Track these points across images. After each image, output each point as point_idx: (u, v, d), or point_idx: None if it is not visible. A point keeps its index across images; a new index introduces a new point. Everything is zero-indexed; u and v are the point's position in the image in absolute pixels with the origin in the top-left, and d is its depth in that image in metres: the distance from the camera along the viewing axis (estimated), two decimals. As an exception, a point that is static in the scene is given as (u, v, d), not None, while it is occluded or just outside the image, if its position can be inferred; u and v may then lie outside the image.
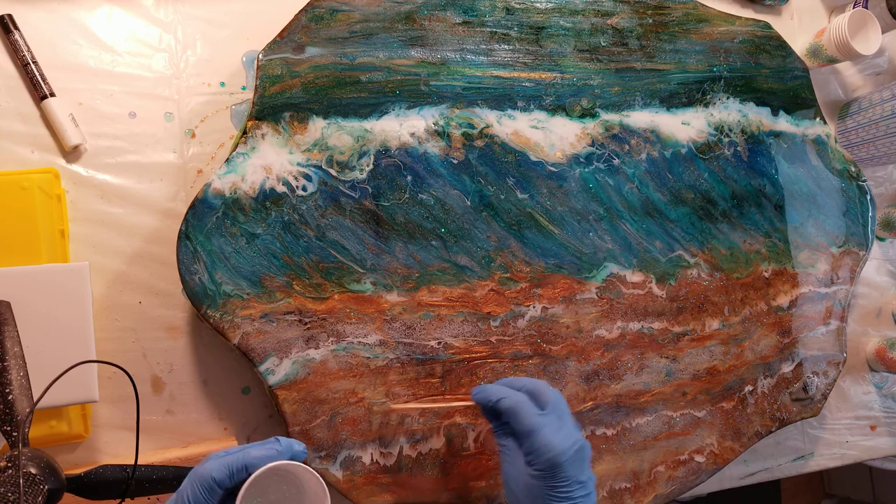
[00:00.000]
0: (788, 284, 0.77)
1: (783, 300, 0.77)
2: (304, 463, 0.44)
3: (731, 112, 0.77)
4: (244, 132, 0.60)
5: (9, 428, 0.46)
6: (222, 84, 0.67)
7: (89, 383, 0.54)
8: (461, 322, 0.64)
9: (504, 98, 0.68)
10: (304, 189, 0.61)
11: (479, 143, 0.67)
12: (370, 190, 0.63)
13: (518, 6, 0.69)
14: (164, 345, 0.63)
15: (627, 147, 0.72)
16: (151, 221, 0.64)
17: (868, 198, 0.82)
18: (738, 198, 0.76)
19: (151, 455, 0.60)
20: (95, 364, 0.55)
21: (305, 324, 0.60)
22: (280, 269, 0.60)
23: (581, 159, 0.70)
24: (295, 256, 0.60)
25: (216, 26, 0.67)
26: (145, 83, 0.65)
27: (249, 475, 0.40)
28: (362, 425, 0.61)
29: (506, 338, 0.66)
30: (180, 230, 0.57)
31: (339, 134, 0.63)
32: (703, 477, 0.71)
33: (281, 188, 0.60)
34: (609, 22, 0.73)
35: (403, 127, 0.64)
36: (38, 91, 0.61)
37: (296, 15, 0.62)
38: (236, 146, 0.60)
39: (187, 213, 0.58)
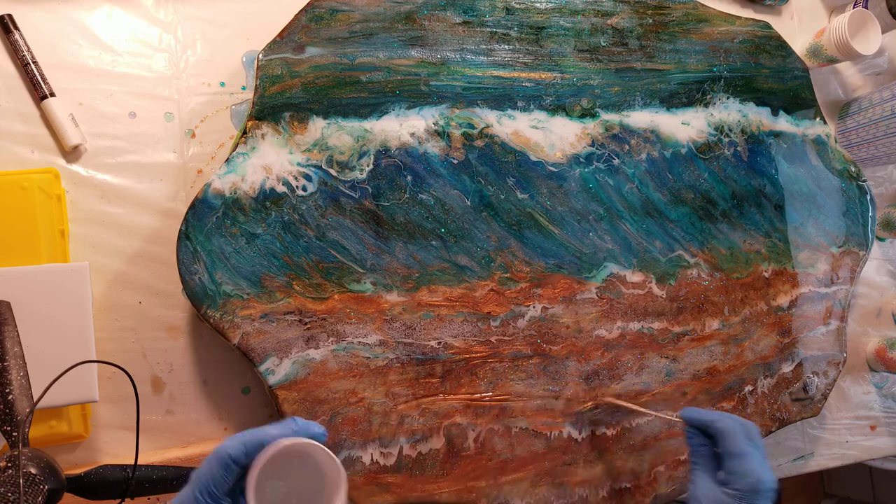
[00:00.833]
0: (788, 284, 0.77)
1: (783, 300, 0.77)
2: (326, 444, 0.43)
3: (731, 112, 0.77)
4: (244, 132, 0.60)
5: (9, 428, 0.46)
6: (222, 84, 0.67)
7: (89, 383, 0.54)
8: (461, 322, 0.64)
9: (504, 98, 0.68)
10: (304, 189, 0.61)
11: (479, 143, 0.67)
12: (370, 190, 0.63)
13: (518, 6, 0.69)
14: (164, 345, 0.63)
15: (627, 147, 0.72)
16: (151, 221, 0.64)
17: (868, 198, 0.82)
18: (738, 198, 0.76)
19: (151, 455, 0.60)
20: (95, 364, 0.55)
21: (305, 324, 0.60)
22: (280, 269, 0.60)
23: (581, 159, 0.70)
24: (295, 256, 0.60)
25: (216, 26, 0.67)
26: (145, 83, 0.65)
27: (264, 447, 0.40)
28: (362, 425, 0.61)
29: (506, 338, 0.66)
30: (180, 230, 0.57)
31: (339, 134, 0.63)
32: (703, 477, 0.71)
33: (281, 188, 0.60)
34: (609, 22, 0.73)
35: (403, 127, 0.64)
36: (38, 91, 0.61)
37: (296, 15, 0.62)
38: (236, 146, 0.60)
39: (187, 213, 0.58)
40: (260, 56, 0.61)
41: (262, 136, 0.60)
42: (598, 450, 0.68)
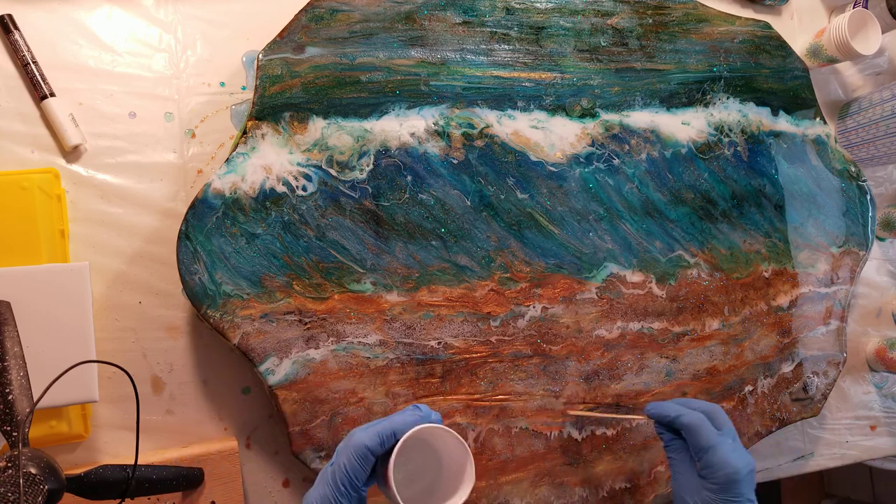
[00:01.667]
0: (788, 284, 0.77)
1: (783, 300, 0.77)
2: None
3: (731, 112, 0.77)
4: (244, 132, 0.60)
5: (9, 428, 0.46)
6: (222, 84, 0.67)
7: (89, 383, 0.54)
8: (461, 322, 0.64)
9: (504, 98, 0.68)
10: (304, 189, 0.61)
11: (479, 143, 0.67)
12: (370, 190, 0.63)
13: (518, 6, 0.69)
14: (164, 345, 0.63)
15: (627, 147, 0.72)
16: (151, 221, 0.64)
17: (868, 198, 0.82)
18: (738, 198, 0.76)
19: (151, 455, 0.60)
20: (95, 364, 0.55)
21: (305, 324, 0.60)
22: (280, 269, 0.60)
23: (581, 159, 0.70)
24: (295, 256, 0.60)
25: (216, 26, 0.67)
26: (145, 83, 0.65)
27: (397, 440, 0.42)
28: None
29: (506, 338, 0.66)
30: (180, 230, 0.57)
31: (339, 134, 0.63)
32: (703, 477, 0.71)
33: (281, 188, 0.60)
34: (609, 22, 0.73)
35: (403, 127, 0.64)
36: (38, 91, 0.61)
37: (296, 15, 0.62)
38: (236, 146, 0.60)
39: (187, 213, 0.58)
40: (260, 56, 0.61)
41: (262, 136, 0.60)
42: (598, 450, 0.68)
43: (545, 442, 0.66)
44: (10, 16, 0.61)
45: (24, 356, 0.49)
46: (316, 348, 0.60)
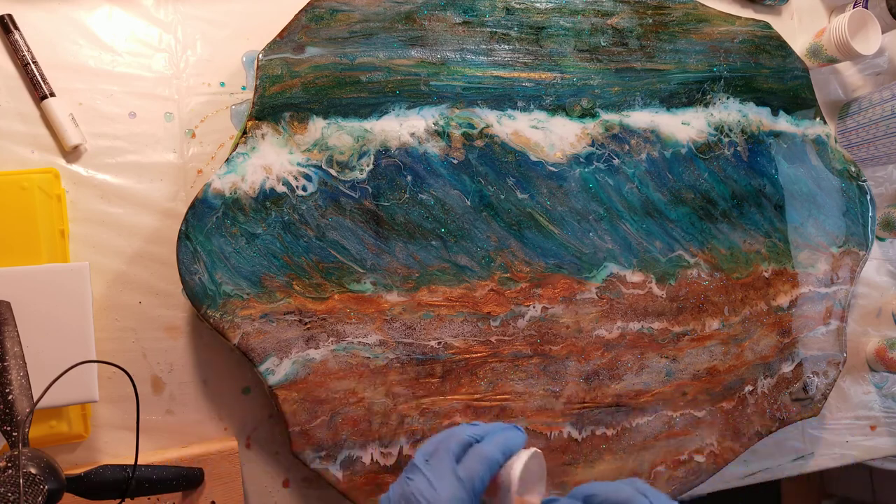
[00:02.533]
0: (788, 284, 0.77)
1: (783, 300, 0.77)
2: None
3: (731, 112, 0.77)
4: (244, 132, 0.60)
5: (9, 428, 0.46)
6: (222, 84, 0.67)
7: (89, 383, 0.54)
8: (461, 322, 0.64)
9: (504, 98, 0.68)
10: (304, 189, 0.61)
11: (479, 143, 0.67)
12: (370, 190, 0.63)
13: (518, 6, 0.69)
14: (164, 345, 0.63)
15: (627, 147, 0.72)
16: (151, 221, 0.64)
17: (868, 198, 0.82)
18: (738, 198, 0.76)
19: (151, 455, 0.60)
20: (95, 364, 0.55)
21: (305, 324, 0.60)
22: (280, 269, 0.60)
23: (581, 159, 0.70)
24: (295, 256, 0.60)
25: (216, 26, 0.67)
26: (145, 83, 0.65)
27: (512, 454, 0.42)
28: (362, 425, 0.61)
29: (506, 338, 0.66)
30: (180, 230, 0.57)
31: (339, 134, 0.63)
32: (703, 477, 0.71)
33: (281, 188, 0.60)
34: (609, 22, 0.73)
35: (403, 127, 0.64)
36: (38, 91, 0.61)
37: (296, 15, 0.62)
38: (236, 146, 0.60)
39: (187, 213, 0.58)
40: (260, 56, 0.61)
41: (262, 136, 0.60)
42: (597, 450, 0.68)
43: (545, 442, 0.66)
44: (10, 16, 0.61)
45: (24, 356, 0.49)
46: (316, 348, 0.60)
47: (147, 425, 0.61)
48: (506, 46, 0.69)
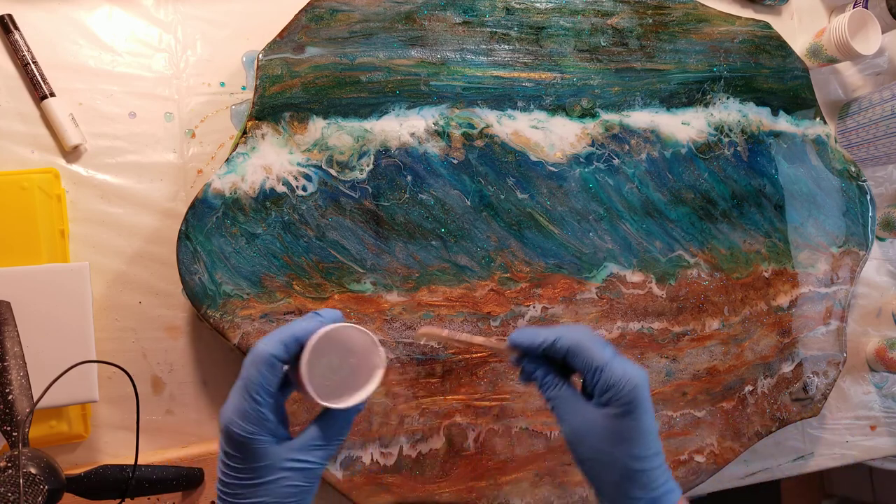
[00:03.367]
0: (788, 284, 0.77)
1: (783, 300, 0.77)
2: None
3: (731, 112, 0.77)
4: (244, 132, 0.60)
5: (9, 428, 0.46)
6: (222, 84, 0.67)
7: (89, 383, 0.54)
8: (461, 322, 0.64)
9: (504, 98, 0.68)
10: (304, 189, 0.61)
11: (479, 143, 0.67)
12: (370, 190, 0.63)
13: (518, 6, 0.69)
14: (164, 345, 0.63)
15: (627, 147, 0.72)
16: (151, 221, 0.64)
17: (868, 198, 0.82)
18: (738, 198, 0.76)
19: (151, 455, 0.60)
20: (95, 364, 0.55)
21: (305, 324, 0.60)
22: (280, 269, 0.60)
23: (581, 159, 0.70)
24: (295, 256, 0.60)
25: (216, 26, 0.67)
26: (145, 83, 0.65)
27: (302, 346, 0.42)
28: (362, 425, 0.61)
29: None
30: (180, 230, 0.57)
31: (339, 134, 0.63)
32: (703, 477, 0.71)
33: (281, 188, 0.60)
34: (609, 22, 0.73)
35: (403, 127, 0.64)
36: (38, 91, 0.61)
37: (296, 15, 0.62)
38: (236, 146, 0.60)
39: (187, 213, 0.58)
40: (260, 56, 0.61)
41: (262, 136, 0.60)
42: (598, 450, 0.68)
43: (545, 442, 0.66)
44: (10, 16, 0.61)
45: (24, 356, 0.49)
46: (316, 348, 0.60)
47: (147, 425, 0.61)
48: (506, 46, 0.69)
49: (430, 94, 0.66)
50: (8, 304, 0.51)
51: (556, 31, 0.71)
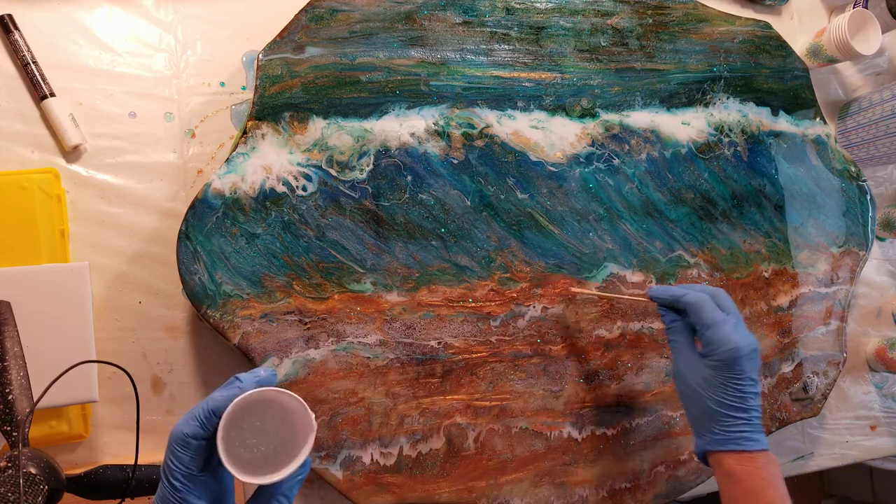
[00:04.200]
0: (788, 284, 0.77)
1: (783, 300, 0.77)
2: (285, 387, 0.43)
3: (731, 112, 0.77)
4: (244, 132, 0.60)
5: (9, 428, 0.46)
6: (222, 84, 0.67)
7: (89, 383, 0.54)
8: (461, 322, 0.64)
9: (504, 98, 0.68)
10: (304, 189, 0.61)
11: (479, 143, 0.67)
12: (370, 190, 0.63)
13: (518, 6, 0.69)
14: (164, 345, 0.63)
15: (627, 147, 0.72)
16: (151, 221, 0.64)
17: (868, 198, 0.82)
18: (738, 198, 0.76)
19: (151, 455, 0.60)
20: (95, 364, 0.55)
21: (305, 324, 0.60)
22: (280, 269, 0.60)
23: (581, 159, 0.70)
24: (295, 256, 0.60)
25: (216, 26, 0.67)
26: (145, 83, 0.65)
27: (219, 418, 0.39)
28: (362, 425, 0.61)
29: (506, 338, 0.66)
30: (180, 230, 0.57)
31: (339, 134, 0.63)
32: (703, 477, 0.71)
33: (281, 188, 0.60)
34: (609, 22, 0.73)
35: (403, 127, 0.64)
36: (38, 91, 0.61)
37: (296, 15, 0.62)
38: (236, 146, 0.60)
39: (187, 213, 0.58)
40: (260, 56, 0.61)
41: (262, 136, 0.60)
42: (597, 450, 0.68)
43: (545, 442, 0.66)
44: (10, 16, 0.61)
45: (24, 356, 0.49)
46: (316, 348, 0.60)
47: (147, 425, 0.61)
48: (506, 46, 0.69)
49: (430, 94, 0.66)
50: (8, 304, 0.51)
51: (556, 31, 0.71)
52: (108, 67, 0.64)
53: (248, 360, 0.58)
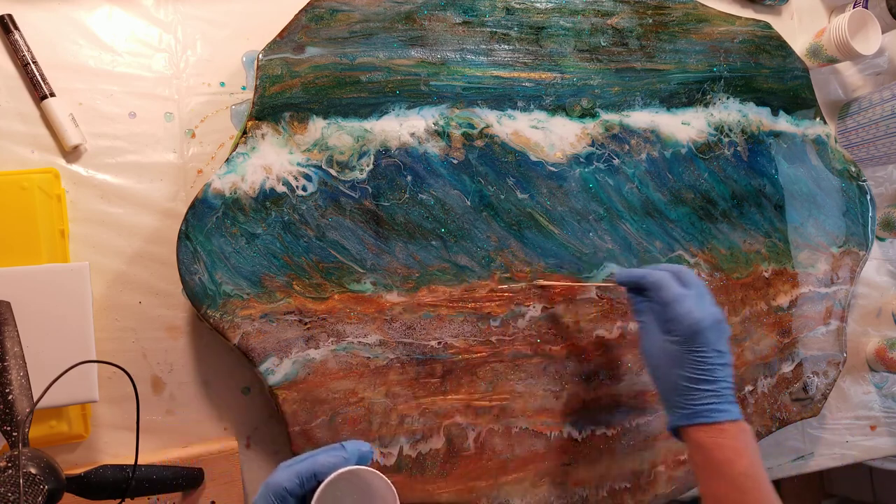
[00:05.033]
0: (788, 284, 0.77)
1: (783, 300, 0.77)
2: (372, 464, 0.45)
3: (731, 112, 0.77)
4: (244, 132, 0.60)
5: (9, 428, 0.46)
6: (222, 84, 0.67)
7: (89, 383, 0.54)
8: (461, 322, 0.64)
9: (504, 98, 0.68)
10: (304, 189, 0.61)
11: (479, 143, 0.67)
12: (370, 190, 0.63)
13: (518, 6, 0.69)
14: (164, 345, 0.63)
15: (627, 147, 0.72)
16: (151, 221, 0.64)
17: (868, 198, 0.82)
18: (738, 198, 0.76)
19: (151, 455, 0.60)
20: (95, 364, 0.55)
21: (305, 324, 0.60)
22: (280, 269, 0.60)
23: (581, 159, 0.70)
24: (295, 256, 0.60)
25: (216, 26, 0.67)
26: (145, 83, 0.65)
27: (319, 482, 0.41)
28: (362, 425, 0.61)
29: (506, 338, 0.66)
30: (180, 230, 0.57)
31: (339, 134, 0.63)
32: (703, 477, 0.71)
33: (281, 188, 0.60)
34: (609, 22, 0.73)
35: (403, 127, 0.64)
36: (38, 91, 0.61)
37: (296, 15, 0.62)
38: (236, 146, 0.60)
39: (187, 213, 0.58)
40: (260, 56, 0.61)
41: (262, 136, 0.60)
42: (597, 450, 0.68)
43: (545, 442, 0.66)
44: (10, 16, 0.61)
45: (24, 356, 0.49)
46: (316, 348, 0.60)
47: (147, 425, 0.61)
48: (506, 46, 0.69)
49: (430, 94, 0.66)
50: (8, 304, 0.51)
51: (556, 31, 0.71)
52: (108, 67, 0.64)
53: (248, 360, 0.58)
